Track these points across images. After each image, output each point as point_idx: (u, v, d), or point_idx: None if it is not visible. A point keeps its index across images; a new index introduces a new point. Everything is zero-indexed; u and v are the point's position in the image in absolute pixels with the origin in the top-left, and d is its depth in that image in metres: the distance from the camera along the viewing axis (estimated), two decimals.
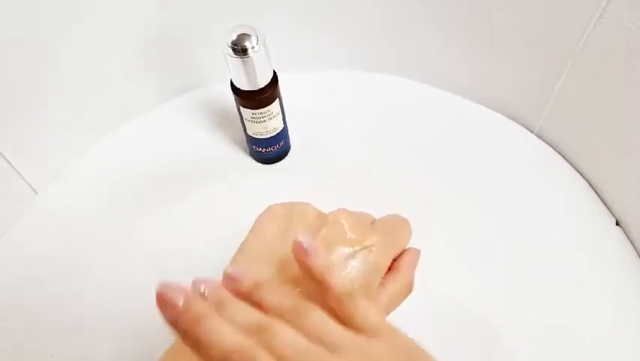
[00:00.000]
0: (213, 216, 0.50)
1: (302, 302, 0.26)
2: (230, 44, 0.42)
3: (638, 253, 0.47)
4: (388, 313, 0.32)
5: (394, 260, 0.34)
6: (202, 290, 0.25)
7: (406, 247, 0.35)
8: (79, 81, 0.50)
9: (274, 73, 0.46)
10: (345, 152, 0.54)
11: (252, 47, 0.42)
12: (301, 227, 0.32)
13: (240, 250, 0.32)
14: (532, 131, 0.55)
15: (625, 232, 0.48)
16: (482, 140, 0.54)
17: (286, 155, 0.54)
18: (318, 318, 0.26)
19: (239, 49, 0.42)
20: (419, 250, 0.35)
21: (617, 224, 0.48)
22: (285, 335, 0.24)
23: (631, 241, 0.47)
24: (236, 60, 0.43)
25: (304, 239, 0.27)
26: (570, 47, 0.46)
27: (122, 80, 0.54)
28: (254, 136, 0.50)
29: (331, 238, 0.32)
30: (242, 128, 0.50)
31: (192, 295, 0.24)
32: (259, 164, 0.53)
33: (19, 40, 0.44)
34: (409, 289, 0.33)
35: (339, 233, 0.32)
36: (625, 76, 0.43)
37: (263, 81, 0.45)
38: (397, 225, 0.35)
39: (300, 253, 0.27)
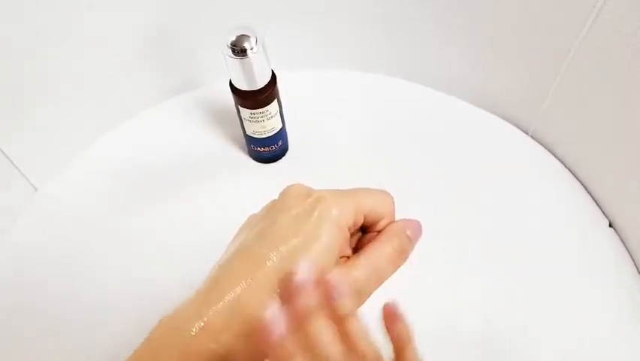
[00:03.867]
0: (211, 214, 0.50)
1: (379, 353, 0.25)
2: (229, 45, 0.43)
3: (630, 254, 0.47)
4: (378, 284, 0.29)
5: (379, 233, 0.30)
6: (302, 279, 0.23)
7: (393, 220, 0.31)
8: (79, 79, 0.51)
9: (273, 73, 0.47)
10: (342, 152, 0.54)
11: (251, 48, 0.43)
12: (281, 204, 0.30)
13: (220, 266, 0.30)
14: (526, 133, 0.55)
15: (618, 234, 0.48)
16: (477, 141, 0.55)
17: (284, 155, 0.54)
18: None
19: (238, 50, 0.43)
20: (416, 222, 0.31)
21: (610, 225, 0.49)
22: None
23: (623, 243, 0.48)
24: (235, 61, 0.43)
25: (392, 303, 0.25)
26: (565, 49, 0.46)
27: (122, 79, 0.54)
28: (252, 135, 0.50)
29: (279, 205, 0.29)
30: (240, 128, 0.51)
31: (287, 327, 0.23)
32: (257, 163, 0.54)
33: (19, 38, 0.45)
34: (400, 257, 0.30)
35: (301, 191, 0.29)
36: (620, 78, 0.43)
37: (261, 81, 0.46)
38: (364, 188, 0.31)
39: (390, 317, 0.25)
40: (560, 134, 0.52)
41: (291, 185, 0.31)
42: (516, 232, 0.48)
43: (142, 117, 0.58)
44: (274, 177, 0.53)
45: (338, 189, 0.30)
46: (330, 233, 0.28)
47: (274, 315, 0.23)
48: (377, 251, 0.29)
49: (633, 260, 0.47)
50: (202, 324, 0.26)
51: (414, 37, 0.55)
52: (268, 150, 0.52)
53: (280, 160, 0.54)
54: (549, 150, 0.54)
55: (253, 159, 0.54)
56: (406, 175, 0.52)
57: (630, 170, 0.45)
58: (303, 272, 0.24)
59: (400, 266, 0.30)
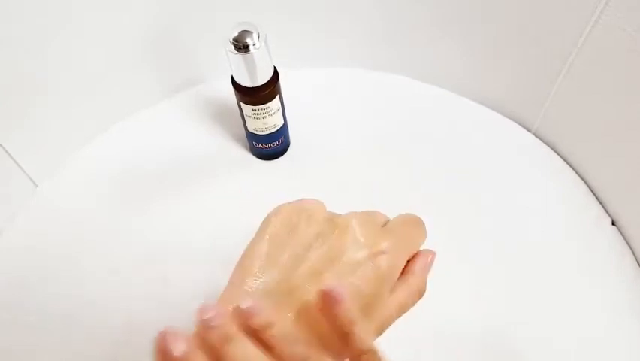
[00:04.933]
0: (212, 211, 0.50)
1: (315, 354, 0.26)
2: (231, 41, 0.42)
3: (633, 253, 0.47)
4: (398, 317, 0.31)
5: (408, 261, 0.32)
6: (208, 318, 0.24)
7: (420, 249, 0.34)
8: (80, 76, 0.50)
9: (275, 69, 0.47)
10: (344, 149, 0.54)
11: (254, 44, 0.42)
12: (310, 230, 0.30)
13: (246, 256, 0.30)
14: (529, 130, 0.55)
15: (621, 232, 0.48)
16: (480, 138, 0.54)
17: (286, 151, 0.54)
18: None
19: (240, 45, 0.42)
20: (434, 253, 0.33)
21: (613, 224, 0.49)
22: None
23: (626, 241, 0.48)
24: (237, 57, 0.43)
25: (333, 286, 0.25)
26: (568, 47, 0.46)
27: (123, 75, 0.54)
28: (254, 132, 0.50)
29: (341, 244, 0.30)
30: (242, 125, 0.51)
31: (191, 346, 0.23)
32: (259, 160, 0.54)
33: (19, 35, 0.44)
34: (420, 293, 0.32)
35: (350, 238, 0.30)
36: (622, 76, 0.43)
37: (263, 78, 0.45)
38: (411, 226, 0.33)
39: (327, 301, 0.25)
40: (563, 133, 0.52)
41: (351, 217, 0.31)
42: (518, 230, 0.48)
43: (142, 115, 0.58)
44: (275, 174, 0.52)
45: (398, 233, 0.31)
46: (359, 258, 0.30)
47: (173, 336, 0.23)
48: (405, 291, 0.31)
49: (636, 258, 0.47)
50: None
51: (416, 34, 0.55)
52: (270, 146, 0.51)
53: (281, 157, 0.54)
54: (552, 148, 0.54)
55: (254, 156, 0.54)
56: (407, 172, 0.52)
57: (633, 168, 0.45)
58: (208, 311, 0.24)
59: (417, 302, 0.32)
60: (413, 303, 0.31)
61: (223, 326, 0.24)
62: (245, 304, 0.25)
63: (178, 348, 0.23)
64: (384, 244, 0.30)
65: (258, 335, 0.25)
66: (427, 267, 0.32)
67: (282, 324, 0.26)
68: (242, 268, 0.30)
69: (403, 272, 0.31)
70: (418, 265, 0.32)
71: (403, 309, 0.31)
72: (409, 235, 0.32)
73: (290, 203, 0.32)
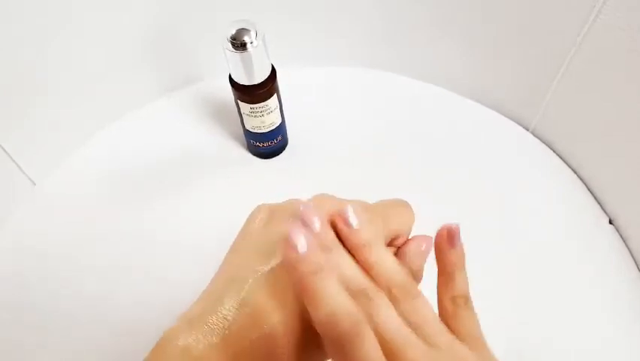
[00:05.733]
0: (210, 209, 0.50)
1: (410, 282, 0.26)
2: (229, 39, 0.42)
3: (630, 252, 0.47)
4: None
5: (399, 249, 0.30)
6: (315, 226, 0.25)
7: (412, 235, 0.31)
8: (78, 73, 0.51)
9: (272, 68, 0.47)
10: (343, 148, 0.54)
11: (251, 42, 0.43)
12: (285, 216, 0.29)
13: (231, 250, 0.30)
14: (527, 129, 0.55)
15: (618, 231, 0.48)
16: (478, 137, 0.55)
17: (283, 150, 0.54)
18: (424, 306, 0.25)
19: (238, 43, 0.42)
20: (430, 238, 0.31)
21: (611, 222, 0.49)
22: (390, 316, 0.24)
23: (623, 240, 0.48)
24: (235, 55, 0.43)
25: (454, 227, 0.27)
26: (567, 46, 0.46)
27: (120, 73, 0.54)
28: (252, 130, 0.50)
29: None
30: (240, 123, 0.51)
31: (312, 243, 0.24)
32: (257, 158, 0.54)
33: (19, 31, 0.45)
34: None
35: None
36: (621, 75, 0.43)
37: (261, 76, 0.45)
38: (392, 205, 0.31)
39: (449, 239, 0.27)
40: (560, 131, 0.52)
41: (320, 196, 0.30)
42: (516, 229, 0.48)
43: (140, 113, 0.58)
44: (273, 173, 0.52)
45: (366, 204, 0.30)
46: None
47: (296, 233, 0.23)
48: None
49: (633, 257, 0.47)
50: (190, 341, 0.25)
51: (415, 34, 0.55)
52: (267, 144, 0.51)
53: (280, 156, 0.54)
54: (550, 147, 0.54)
55: (252, 154, 0.54)
56: (404, 171, 0.52)
57: (631, 167, 0.45)
58: (307, 209, 0.25)
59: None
60: None
61: (324, 233, 0.25)
62: (349, 211, 0.26)
63: (301, 244, 0.23)
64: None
65: (357, 252, 0.26)
66: (422, 252, 0.30)
67: (380, 244, 0.26)
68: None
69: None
70: (409, 247, 0.30)
71: None
72: (387, 212, 0.30)
73: (269, 203, 0.32)
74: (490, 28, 0.50)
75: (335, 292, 0.23)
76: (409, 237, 0.31)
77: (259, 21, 0.43)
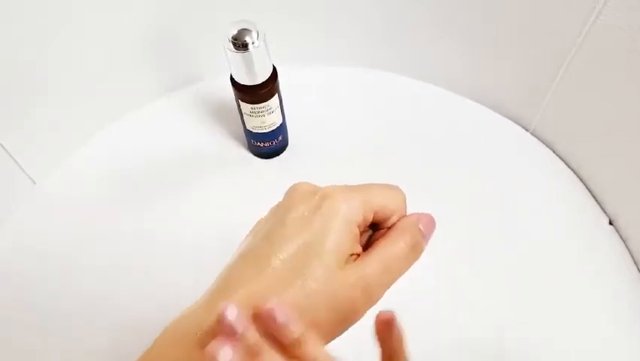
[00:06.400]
0: (211, 209, 0.50)
1: None
2: (230, 39, 0.42)
3: (630, 252, 0.47)
4: (391, 282, 0.28)
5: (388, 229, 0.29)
6: (232, 322, 0.22)
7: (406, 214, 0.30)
8: (78, 73, 0.50)
9: (274, 68, 0.47)
10: (343, 148, 0.54)
11: (252, 42, 0.43)
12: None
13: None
14: (527, 130, 0.55)
15: (618, 232, 0.48)
16: (478, 138, 0.55)
17: (284, 150, 0.54)
18: None
19: (239, 44, 0.42)
20: (428, 214, 0.29)
21: (611, 223, 0.49)
22: None
23: (623, 241, 0.48)
24: (236, 55, 0.43)
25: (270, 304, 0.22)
26: (567, 46, 0.46)
27: (120, 73, 0.54)
28: (252, 130, 0.50)
29: (290, 199, 0.28)
30: (240, 122, 0.51)
31: (238, 356, 0.21)
32: (257, 158, 0.54)
33: (19, 31, 0.44)
34: (414, 251, 0.28)
35: (299, 193, 0.28)
36: (621, 75, 0.43)
37: (262, 76, 0.45)
38: (375, 184, 0.29)
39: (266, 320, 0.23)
40: (560, 132, 0.52)
41: (297, 183, 0.30)
42: (516, 230, 0.48)
43: (141, 113, 0.58)
44: (274, 173, 0.53)
45: (346, 185, 0.29)
46: (339, 230, 0.26)
47: (219, 350, 0.21)
48: (389, 247, 0.27)
49: (633, 258, 0.47)
50: (206, 329, 0.25)
51: (415, 34, 0.55)
52: (268, 145, 0.51)
53: (280, 156, 0.54)
54: (550, 148, 0.54)
55: (253, 154, 0.54)
56: (404, 171, 0.52)
57: (630, 168, 0.45)
58: (231, 313, 0.22)
59: (413, 262, 0.28)
60: (405, 262, 0.28)
61: (247, 333, 0.22)
62: (277, 309, 0.22)
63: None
64: (329, 189, 0.28)
65: (288, 351, 0.23)
66: (422, 223, 0.28)
67: (315, 337, 0.23)
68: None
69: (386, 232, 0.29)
70: (404, 220, 0.28)
71: (392, 267, 0.27)
72: (369, 188, 0.28)
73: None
74: (490, 28, 0.50)
75: None
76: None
77: (259, 21, 0.43)
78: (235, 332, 0.22)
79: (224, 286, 0.27)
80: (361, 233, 0.29)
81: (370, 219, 0.28)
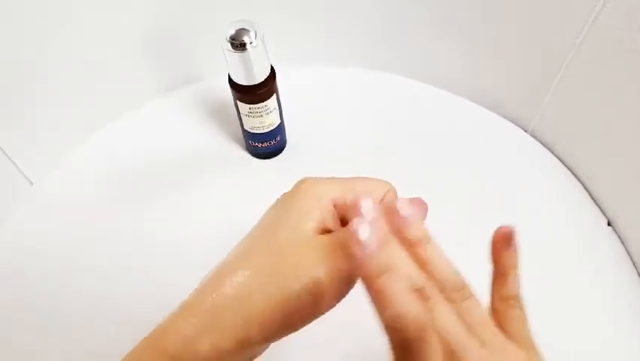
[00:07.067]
0: (209, 209, 0.50)
1: (462, 281, 0.26)
2: (228, 39, 0.42)
3: (629, 253, 0.47)
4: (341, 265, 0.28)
5: None
6: (366, 211, 0.24)
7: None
8: (76, 73, 0.51)
9: (272, 68, 0.47)
10: (342, 148, 0.54)
11: (251, 42, 0.43)
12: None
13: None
14: (526, 131, 0.55)
15: (616, 232, 0.48)
16: (476, 138, 0.54)
17: (282, 150, 0.54)
18: (477, 306, 0.26)
19: (237, 44, 0.42)
20: (418, 198, 0.31)
21: (609, 224, 0.49)
22: (450, 320, 0.24)
23: (622, 241, 0.48)
24: (234, 55, 0.43)
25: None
26: (566, 47, 0.46)
27: (119, 73, 0.54)
28: (250, 131, 0.50)
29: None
30: (239, 123, 0.51)
31: (380, 243, 0.24)
32: (255, 159, 0.54)
33: (17, 31, 0.45)
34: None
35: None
36: (621, 76, 0.43)
37: (260, 76, 0.45)
38: (359, 176, 0.31)
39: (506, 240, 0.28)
40: (559, 133, 0.52)
41: (308, 180, 0.31)
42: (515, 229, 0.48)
43: (139, 113, 0.58)
44: (272, 173, 0.52)
45: (333, 177, 0.30)
46: (308, 203, 0.28)
47: (362, 228, 0.23)
48: (343, 230, 0.27)
49: (631, 259, 0.47)
50: (180, 338, 0.26)
51: (415, 34, 0.55)
52: (266, 145, 0.51)
53: (279, 156, 0.54)
54: (548, 149, 0.54)
55: (251, 154, 0.54)
56: (403, 171, 0.52)
57: (629, 169, 0.45)
58: (366, 203, 0.24)
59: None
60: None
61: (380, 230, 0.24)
62: (404, 205, 0.25)
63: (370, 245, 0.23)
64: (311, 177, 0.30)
65: (413, 247, 0.25)
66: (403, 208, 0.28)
67: (434, 241, 0.26)
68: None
69: None
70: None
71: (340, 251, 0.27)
72: (352, 178, 0.30)
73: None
74: (490, 28, 0.50)
75: (401, 294, 0.23)
76: None
77: (259, 21, 0.43)
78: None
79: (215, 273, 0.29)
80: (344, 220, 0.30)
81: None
